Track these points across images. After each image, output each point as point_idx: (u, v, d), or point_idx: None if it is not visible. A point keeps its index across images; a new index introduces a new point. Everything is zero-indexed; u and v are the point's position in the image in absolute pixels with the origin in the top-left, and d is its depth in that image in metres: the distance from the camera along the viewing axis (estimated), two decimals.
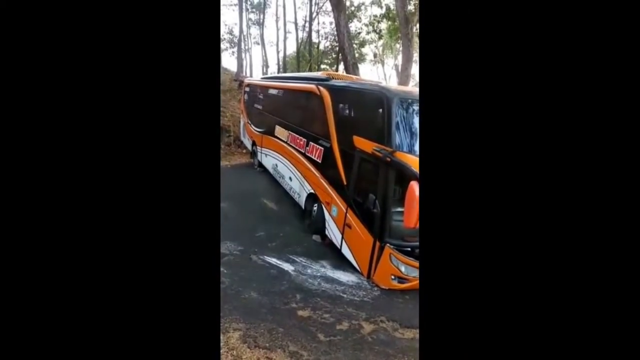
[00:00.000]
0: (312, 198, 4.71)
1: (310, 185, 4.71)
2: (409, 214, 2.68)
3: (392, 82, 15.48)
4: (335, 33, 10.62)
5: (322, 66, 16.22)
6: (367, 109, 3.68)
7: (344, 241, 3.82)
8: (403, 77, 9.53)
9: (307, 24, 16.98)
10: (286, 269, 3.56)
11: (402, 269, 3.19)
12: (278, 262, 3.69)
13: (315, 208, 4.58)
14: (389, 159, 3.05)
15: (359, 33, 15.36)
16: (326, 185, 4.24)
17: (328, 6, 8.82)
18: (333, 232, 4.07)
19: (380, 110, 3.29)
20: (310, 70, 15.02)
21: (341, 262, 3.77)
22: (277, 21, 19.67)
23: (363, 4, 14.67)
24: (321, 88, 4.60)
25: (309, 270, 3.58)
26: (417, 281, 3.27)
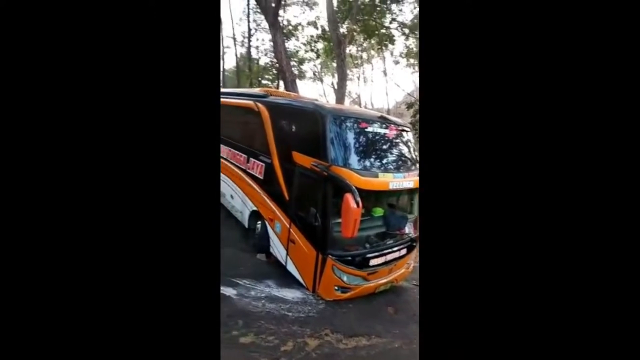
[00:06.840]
0: (255, 215, 4.57)
1: (253, 203, 4.58)
2: (346, 225, 2.80)
3: (330, 99, 16.28)
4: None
5: (263, 82, 16.26)
6: (303, 125, 3.79)
7: (288, 257, 3.77)
8: (339, 95, 10.14)
9: (245, 40, 16.95)
10: (227, 293, 3.34)
11: (345, 278, 3.28)
12: None
13: (258, 226, 4.45)
14: (325, 173, 3.17)
15: (298, 51, 15.91)
16: (269, 202, 4.17)
17: (266, 24, 8.94)
18: (277, 248, 3.99)
19: (316, 126, 3.43)
20: (250, 85, 14.91)
21: (287, 279, 3.70)
22: None
23: (300, 24, 15.30)
24: (259, 104, 4.59)
25: (252, 292, 3.43)
26: (360, 289, 3.39)
